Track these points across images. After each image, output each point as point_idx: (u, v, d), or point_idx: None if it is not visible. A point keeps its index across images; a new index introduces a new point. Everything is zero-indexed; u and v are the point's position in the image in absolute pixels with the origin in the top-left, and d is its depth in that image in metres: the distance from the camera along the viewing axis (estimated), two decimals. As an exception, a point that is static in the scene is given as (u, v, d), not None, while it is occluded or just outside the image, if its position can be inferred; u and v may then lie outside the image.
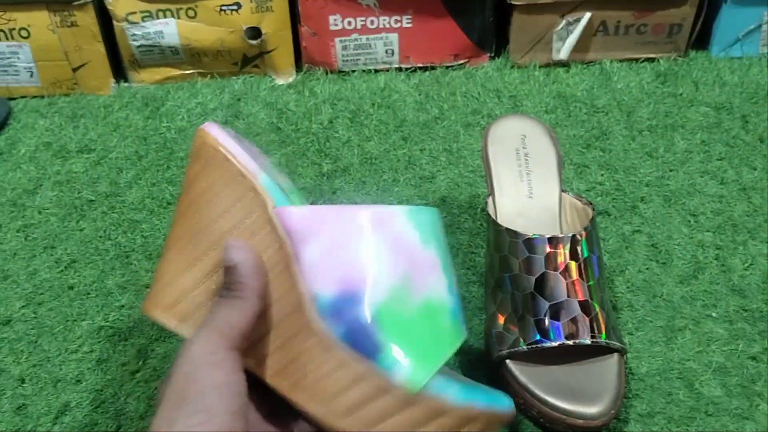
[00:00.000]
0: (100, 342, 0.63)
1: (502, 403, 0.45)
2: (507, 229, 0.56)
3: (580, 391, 0.53)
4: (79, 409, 0.59)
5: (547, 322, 0.54)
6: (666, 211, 0.71)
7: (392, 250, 0.43)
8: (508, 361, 0.56)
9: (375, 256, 0.42)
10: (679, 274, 0.66)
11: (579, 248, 0.55)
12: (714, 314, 0.63)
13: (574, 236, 0.55)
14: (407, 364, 0.41)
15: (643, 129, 0.80)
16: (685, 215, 0.71)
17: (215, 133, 0.47)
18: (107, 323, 0.64)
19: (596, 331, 0.54)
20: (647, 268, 0.67)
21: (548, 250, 0.55)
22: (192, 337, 0.41)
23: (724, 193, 0.73)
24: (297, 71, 0.87)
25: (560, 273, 0.54)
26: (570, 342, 0.53)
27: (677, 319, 0.63)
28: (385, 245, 0.43)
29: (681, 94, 0.83)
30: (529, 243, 0.55)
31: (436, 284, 0.43)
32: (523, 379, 0.55)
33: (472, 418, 0.42)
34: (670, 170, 0.75)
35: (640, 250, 0.68)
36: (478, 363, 0.61)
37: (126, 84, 0.87)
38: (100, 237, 0.71)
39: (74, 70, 0.84)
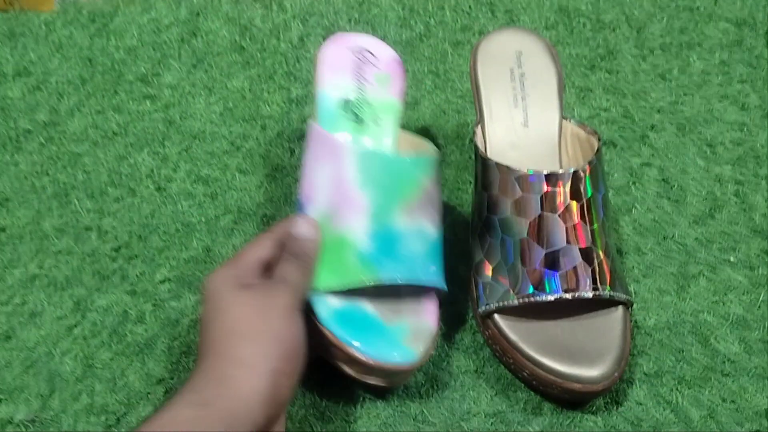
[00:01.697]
0: (33, 293, 0.55)
1: (369, 352, 0.46)
2: (497, 163, 0.48)
3: (578, 351, 0.46)
4: (8, 370, 0.51)
5: (542, 272, 0.46)
6: (680, 141, 0.63)
7: (334, 183, 0.48)
8: (496, 315, 0.48)
9: (322, 183, 0.49)
10: (693, 213, 0.58)
11: (582, 186, 0.47)
12: (732, 259, 0.56)
13: (576, 172, 0.47)
14: None
15: (654, 47, 0.70)
16: (702, 146, 0.62)
17: None
18: (42, 271, 0.56)
19: (599, 283, 0.46)
20: (657, 207, 0.59)
21: (545, 188, 0.46)
22: (270, 288, 0.43)
23: (745, 120, 0.64)
24: (264, -18, 0.77)
25: (559, 215, 0.46)
26: (568, 296, 0.46)
27: (691, 265, 0.55)
28: (330, 176, 0.48)
29: (698, 8, 0.74)
30: (523, 180, 0.47)
31: (355, 225, 0.47)
32: (513, 336, 0.47)
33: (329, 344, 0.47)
34: (685, 95, 0.66)
35: (649, 186, 0.60)
36: (461, 317, 0.53)
37: (71, -2, 0.77)
38: (37, 172, 0.62)
39: (10, -19, 0.74)
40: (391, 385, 0.49)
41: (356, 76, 0.54)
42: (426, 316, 0.48)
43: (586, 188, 0.47)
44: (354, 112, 0.53)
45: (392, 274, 0.47)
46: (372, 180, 0.47)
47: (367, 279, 0.47)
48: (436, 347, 0.51)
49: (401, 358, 0.46)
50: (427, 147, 0.52)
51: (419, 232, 0.48)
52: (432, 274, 0.48)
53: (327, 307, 0.47)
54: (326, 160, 0.49)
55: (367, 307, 0.48)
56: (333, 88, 0.54)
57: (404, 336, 0.47)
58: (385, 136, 0.54)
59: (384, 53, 0.55)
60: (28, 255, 0.57)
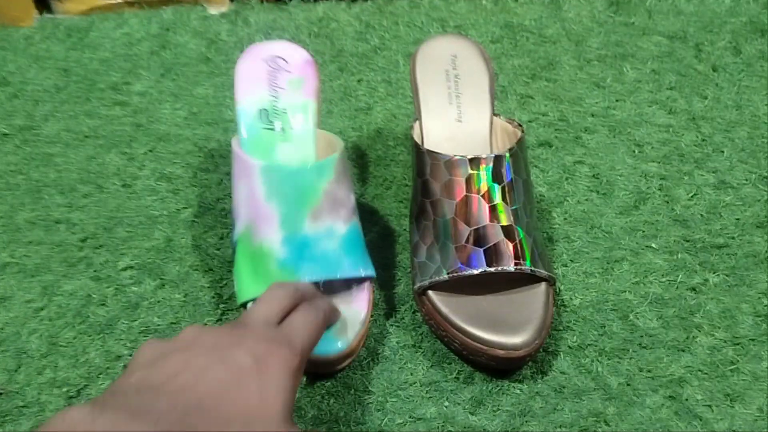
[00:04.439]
0: (3, 278, 0.59)
1: (318, 350, 0.49)
2: (428, 150, 0.53)
3: (502, 321, 0.50)
4: (-23, 348, 0.55)
5: (469, 248, 0.51)
6: (611, 141, 0.68)
7: (249, 198, 0.52)
8: (430, 291, 0.52)
9: (242, 199, 0.53)
10: (620, 204, 0.63)
11: (503, 170, 0.51)
12: (654, 245, 0.60)
13: (497, 156, 0.51)
14: (236, 283, 0.54)
15: (592, 59, 0.76)
16: (631, 145, 0.68)
17: None
18: (13, 260, 0.60)
19: (521, 258, 0.51)
20: (587, 199, 0.63)
21: (470, 171, 0.51)
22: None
23: (672, 122, 0.69)
24: (231, 0, 0.82)
25: (482, 196, 0.51)
26: (492, 269, 0.50)
27: (615, 251, 0.60)
28: (246, 192, 0.53)
29: (634, 23, 0.79)
30: (450, 164, 0.51)
31: (269, 235, 0.52)
32: (444, 309, 0.51)
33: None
34: (617, 100, 0.72)
35: (580, 181, 0.65)
36: (402, 298, 0.57)
37: (50, 15, 0.82)
38: (12, 171, 0.67)
39: (-9, -2, 0.79)
40: (331, 371, 0.53)
41: (270, 85, 0.56)
42: (356, 305, 0.53)
43: (507, 172, 0.52)
44: (270, 120, 0.56)
45: (310, 274, 0.51)
46: (276, 192, 0.51)
47: None
48: (379, 325, 0.56)
49: (329, 349, 0.50)
50: (337, 142, 0.56)
51: (328, 232, 0.52)
52: (348, 266, 0.52)
53: None
54: (242, 177, 0.53)
55: None
56: (250, 101, 0.56)
57: (334, 329, 0.51)
58: (303, 138, 0.56)
59: (296, 57, 0.57)
60: (0, 245, 0.61)
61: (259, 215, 0.52)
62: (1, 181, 0.66)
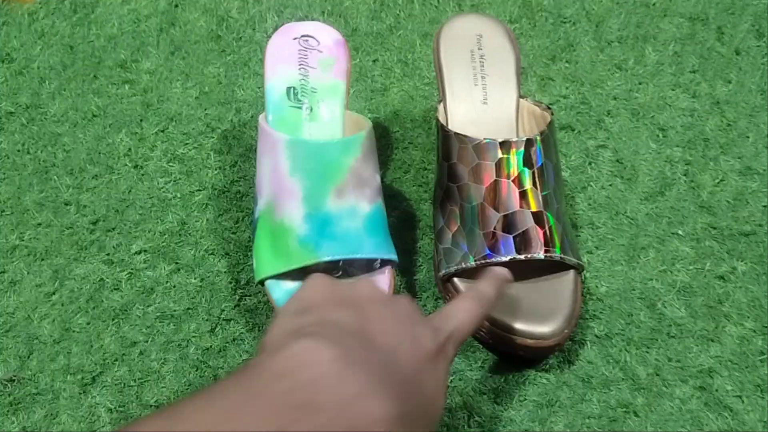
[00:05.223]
0: (13, 262, 0.57)
1: None
2: (456, 133, 0.51)
3: (531, 310, 0.49)
4: (-13, 334, 0.53)
5: (497, 235, 0.49)
6: (633, 125, 0.66)
7: (272, 173, 0.52)
8: (455, 278, 0.51)
9: (266, 174, 0.52)
10: (644, 190, 0.62)
11: (533, 154, 0.50)
12: (680, 232, 0.59)
13: (528, 140, 0.50)
14: (255, 260, 0.53)
15: (612, 40, 0.74)
16: (654, 130, 0.66)
17: None
18: (22, 242, 0.58)
19: (551, 245, 0.49)
20: (611, 185, 0.62)
21: (500, 155, 0.50)
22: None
23: (696, 106, 0.68)
24: (241, -24, 0.80)
25: (512, 181, 0.49)
26: (522, 256, 0.49)
27: (641, 238, 0.58)
28: (270, 167, 0.52)
29: (654, 4, 0.77)
30: (479, 148, 0.50)
31: (291, 211, 0.51)
32: (471, 297, 0.50)
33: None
34: (640, 83, 0.70)
35: (604, 166, 0.63)
36: (424, 285, 0.56)
37: (53, -10, 0.79)
38: (18, 151, 0.65)
39: (-7, -29, 0.77)
40: None
41: (301, 64, 0.56)
42: None
43: (538, 156, 0.50)
44: (298, 98, 0.55)
45: (330, 252, 0.50)
46: (301, 167, 0.50)
47: (308, 260, 0.50)
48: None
49: None
50: (365, 123, 0.55)
51: (352, 210, 0.51)
52: (369, 247, 0.51)
53: (281, 290, 0.51)
54: (267, 152, 0.52)
55: None
56: (279, 79, 0.56)
57: None
58: (330, 118, 0.56)
59: (327, 37, 0.57)
60: (8, 227, 0.59)
61: (282, 190, 0.51)
62: (8, 161, 0.64)
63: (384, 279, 0.52)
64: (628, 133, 0.66)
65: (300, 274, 0.50)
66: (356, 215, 0.51)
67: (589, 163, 0.63)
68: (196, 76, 0.70)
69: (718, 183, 0.62)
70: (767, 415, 0.49)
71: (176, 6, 0.77)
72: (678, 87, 0.70)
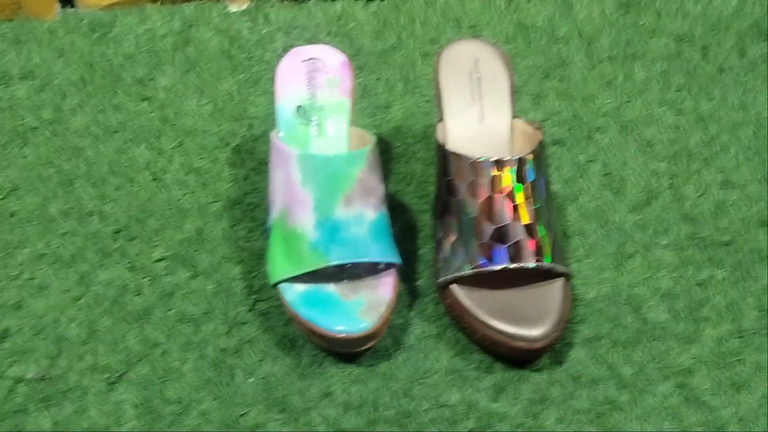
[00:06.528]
0: (41, 269, 0.61)
1: (326, 325, 0.54)
2: (453, 152, 0.55)
3: (522, 314, 0.53)
4: (20, 335, 0.57)
5: (491, 245, 0.53)
6: (622, 140, 0.71)
7: (285, 184, 0.57)
8: (453, 285, 0.55)
9: (279, 186, 0.58)
10: (632, 201, 0.66)
11: (525, 171, 0.54)
12: (665, 241, 0.63)
13: (521, 158, 0.54)
14: (269, 265, 0.58)
15: (603, 59, 0.78)
16: (641, 144, 0.70)
17: None
18: (49, 250, 0.63)
19: (541, 255, 0.53)
20: (600, 196, 0.66)
21: (494, 172, 0.54)
22: None
23: (681, 122, 0.72)
24: (251, -3, 0.84)
25: (506, 196, 0.54)
26: (514, 265, 0.53)
27: (628, 246, 0.63)
28: (283, 179, 0.57)
29: (643, 24, 0.82)
30: (475, 166, 0.54)
31: (303, 219, 0.56)
32: (467, 302, 0.54)
33: (298, 323, 0.56)
34: (628, 100, 0.74)
35: (594, 179, 0.68)
36: (425, 290, 0.60)
37: (72, 9, 0.84)
38: (43, 163, 0.69)
39: (17, -8, 0.81)
40: (356, 351, 0.55)
41: (308, 84, 0.61)
42: (382, 290, 0.55)
43: (530, 173, 0.54)
44: (307, 116, 0.60)
45: (339, 256, 0.54)
46: (312, 179, 0.55)
47: (319, 264, 0.54)
48: (402, 316, 0.58)
49: (354, 328, 0.53)
50: (370, 138, 0.60)
51: (358, 217, 0.55)
52: (375, 251, 0.55)
53: (293, 292, 0.55)
54: (279, 166, 0.58)
55: (328, 287, 0.56)
56: (289, 99, 0.61)
57: (359, 309, 0.54)
58: (337, 133, 0.61)
59: (333, 59, 0.63)
60: (36, 236, 0.63)
61: (295, 200, 0.56)
62: (33, 173, 0.68)
63: (388, 281, 0.56)
64: (617, 148, 0.70)
65: (311, 277, 0.55)
66: (362, 222, 0.55)
67: (580, 176, 0.68)
68: (210, 92, 0.75)
69: (701, 195, 0.66)
70: (741, 411, 0.53)
71: (190, 26, 0.81)
72: (665, 103, 0.74)
